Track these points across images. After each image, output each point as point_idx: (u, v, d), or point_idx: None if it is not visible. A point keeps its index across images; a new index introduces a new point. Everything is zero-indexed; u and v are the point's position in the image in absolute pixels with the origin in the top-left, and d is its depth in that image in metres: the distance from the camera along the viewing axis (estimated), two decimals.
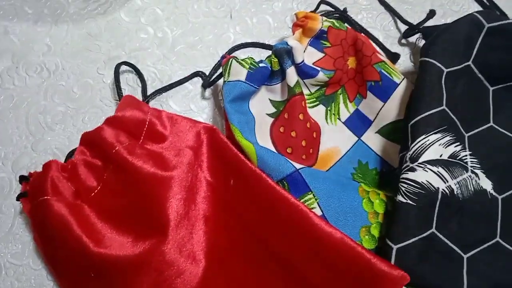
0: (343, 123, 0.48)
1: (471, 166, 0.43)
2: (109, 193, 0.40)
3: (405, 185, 0.40)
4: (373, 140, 0.47)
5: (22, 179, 0.41)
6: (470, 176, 0.42)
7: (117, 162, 0.40)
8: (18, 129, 0.47)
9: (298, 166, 0.41)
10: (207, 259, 0.41)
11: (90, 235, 0.38)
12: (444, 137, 0.42)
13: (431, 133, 0.41)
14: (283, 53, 0.44)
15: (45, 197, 0.38)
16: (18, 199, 0.41)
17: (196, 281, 0.40)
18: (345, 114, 0.48)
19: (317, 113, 0.48)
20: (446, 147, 0.42)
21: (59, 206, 0.38)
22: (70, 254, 0.38)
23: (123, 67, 0.49)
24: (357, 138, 0.48)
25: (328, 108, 0.48)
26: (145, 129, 0.43)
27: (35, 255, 0.42)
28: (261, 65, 0.44)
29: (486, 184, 0.43)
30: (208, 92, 0.49)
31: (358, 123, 0.48)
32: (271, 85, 0.46)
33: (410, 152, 0.41)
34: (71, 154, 0.43)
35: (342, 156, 0.47)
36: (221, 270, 0.41)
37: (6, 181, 0.44)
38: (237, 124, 0.42)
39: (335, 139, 0.47)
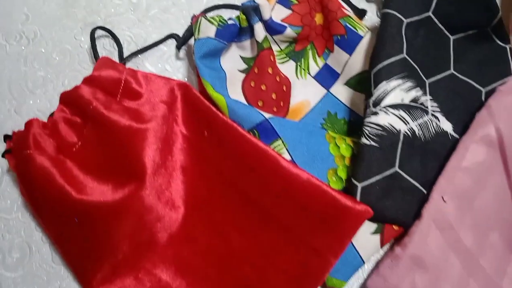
0: (313, 77, 0.50)
1: (432, 110, 0.45)
2: (89, 147, 0.43)
3: (369, 128, 0.43)
4: (341, 92, 0.50)
5: (6, 138, 0.44)
6: (430, 119, 0.45)
7: (94, 117, 0.42)
8: (1, 94, 0.49)
9: (267, 115, 0.43)
10: (186, 206, 0.43)
11: (72, 185, 0.40)
12: (405, 82, 0.44)
13: (392, 79, 0.44)
14: (250, 10, 0.46)
15: (28, 151, 0.41)
16: (3, 155, 0.43)
17: (176, 226, 0.43)
18: (314, 68, 0.51)
19: (287, 68, 0.50)
20: (407, 92, 0.44)
21: (42, 159, 0.40)
22: (54, 203, 0.40)
23: (100, 33, 0.51)
24: (326, 91, 0.50)
25: (298, 64, 0.50)
26: (121, 87, 0.45)
27: (24, 209, 0.44)
28: (229, 22, 0.46)
29: (447, 126, 0.46)
30: (182, 52, 0.51)
31: (327, 76, 0.50)
32: (241, 42, 0.48)
33: (373, 98, 0.44)
34: (52, 115, 0.45)
35: (312, 108, 0.49)
36: (200, 216, 0.43)
37: None
38: (208, 78, 0.44)
39: (305, 93, 0.50)
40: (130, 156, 0.41)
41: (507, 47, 0.50)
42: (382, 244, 0.43)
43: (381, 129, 0.42)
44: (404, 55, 0.45)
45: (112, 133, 0.42)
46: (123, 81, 0.45)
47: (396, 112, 0.43)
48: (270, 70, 0.47)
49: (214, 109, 0.43)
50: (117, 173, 0.41)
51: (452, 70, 0.48)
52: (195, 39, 0.45)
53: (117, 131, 0.41)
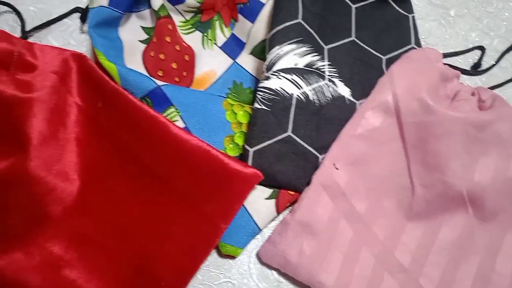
0: (219, 47, 0.50)
1: (329, 75, 0.45)
2: None
3: (261, 93, 0.42)
4: (247, 61, 0.49)
5: None
6: (326, 84, 0.44)
7: None
8: None
9: (160, 83, 0.43)
10: (82, 179, 0.43)
11: None
12: (300, 47, 0.44)
13: (285, 43, 0.44)
14: None
15: None
16: None
17: (71, 198, 0.42)
18: (221, 39, 0.50)
19: (193, 39, 0.49)
20: (302, 57, 0.44)
21: None
22: None
23: (3, 8, 0.50)
24: (232, 61, 0.49)
25: (205, 34, 0.50)
26: (14, 59, 0.44)
27: None
28: None
29: (344, 91, 0.45)
30: (87, 26, 0.50)
31: (233, 46, 0.50)
32: (140, 11, 0.47)
33: (266, 63, 0.43)
34: None
35: (218, 78, 0.49)
36: (97, 188, 0.43)
37: None
38: (100, 47, 0.43)
39: (211, 63, 0.49)
40: (14, 126, 0.40)
41: (410, 16, 0.50)
42: (278, 210, 0.42)
43: (273, 93, 0.42)
44: (300, 20, 0.45)
45: None
46: (16, 54, 0.44)
47: (288, 76, 0.43)
48: (168, 39, 0.46)
49: (106, 78, 0.43)
50: (2, 144, 0.40)
51: (353, 37, 0.48)
52: (89, 8, 0.45)
53: (2, 101, 0.41)
